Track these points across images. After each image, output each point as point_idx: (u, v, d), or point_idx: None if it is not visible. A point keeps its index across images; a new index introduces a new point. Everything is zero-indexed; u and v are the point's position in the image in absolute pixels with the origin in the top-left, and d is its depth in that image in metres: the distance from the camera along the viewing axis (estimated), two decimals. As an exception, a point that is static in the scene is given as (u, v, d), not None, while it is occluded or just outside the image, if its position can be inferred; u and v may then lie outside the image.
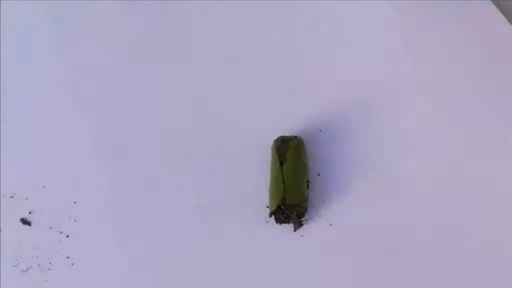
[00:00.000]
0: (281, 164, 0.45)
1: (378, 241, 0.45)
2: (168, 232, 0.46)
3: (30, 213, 0.46)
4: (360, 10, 0.51)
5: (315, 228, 0.45)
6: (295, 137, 0.47)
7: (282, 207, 0.45)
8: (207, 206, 0.46)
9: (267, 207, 0.46)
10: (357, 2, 0.51)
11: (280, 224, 0.45)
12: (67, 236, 0.46)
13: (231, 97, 0.48)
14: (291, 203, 0.45)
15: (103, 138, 0.49)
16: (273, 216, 0.45)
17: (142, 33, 0.52)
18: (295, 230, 0.45)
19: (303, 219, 0.45)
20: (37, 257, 0.45)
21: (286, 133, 0.47)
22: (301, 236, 0.45)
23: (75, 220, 0.46)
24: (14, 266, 0.45)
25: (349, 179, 0.46)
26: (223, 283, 0.44)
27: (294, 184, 0.45)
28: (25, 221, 0.46)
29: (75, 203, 0.47)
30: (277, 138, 0.47)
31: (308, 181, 0.46)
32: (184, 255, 0.45)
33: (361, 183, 0.46)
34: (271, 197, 0.45)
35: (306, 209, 0.45)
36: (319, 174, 0.47)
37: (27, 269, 0.45)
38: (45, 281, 0.44)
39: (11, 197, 0.47)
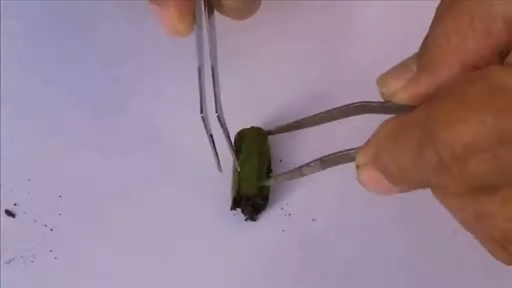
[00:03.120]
0: (237, 156, 0.46)
1: (362, 238, 0.45)
2: (154, 227, 0.46)
3: (15, 204, 0.46)
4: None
5: (297, 222, 0.46)
6: (252, 127, 0.48)
7: (237, 198, 0.45)
8: (190, 202, 0.47)
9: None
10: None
11: (232, 210, 0.46)
12: (51, 230, 0.46)
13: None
14: (245, 194, 0.45)
15: (91, 132, 0.50)
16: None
17: (135, 33, 0.53)
18: (246, 220, 0.46)
19: (261, 211, 0.46)
20: (20, 249, 0.45)
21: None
22: (283, 231, 0.46)
23: (60, 214, 0.46)
24: (-4, 257, 0.45)
25: (332, 175, 0.46)
26: (205, 279, 0.44)
27: (249, 175, 0.46)
28: (9, 213, 0.46)
29: (60, 196, 0.47)
30: (241, 130, 0.48)
31: (269, 173, 0.47)
32: (167, 251, 0.45)
33: (345, 179, 0.46)
34: (231, 190, 0.46)
35: (263, 201, 0.46)
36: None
37: (10, 261, 0.45)
38: (28, 273, 0.44)
39: (-4, 188, 0.47)
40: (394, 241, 0.45)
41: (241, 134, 0.48)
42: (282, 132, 0.47)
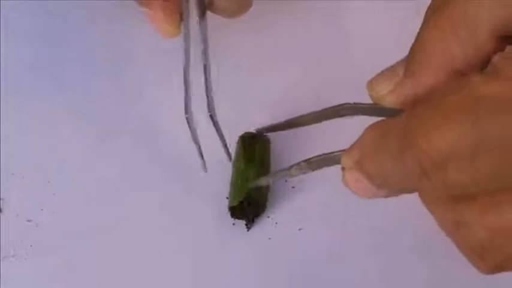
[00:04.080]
0: (247, 160, 0.46)
1: (348, 248, 0.45)
2: (143, 228, 0.46)
3: (1, 199, 0.47)
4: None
5: (283, 231, 0.46)
6: (264, 135, 0.47)
7: (244, 203, 0.45)
8: (176, 205, 0.47)
9: (227, 198, 0.46)
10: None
11: (235, 219, 0.46)
12: (36, 225, 0.46)
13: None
14: (253, 201, 0.45)
15: (83, 129, 0.50)
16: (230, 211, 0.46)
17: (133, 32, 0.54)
18: (248, 229, 0.46)
19: (257, 219, 0.46)
20: (4, 244, 0.45)
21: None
22: (269, 239, 0.46)
23: (44, 209, 0.47)
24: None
25: (319, 186, 0.47)
26: (191, 286, 0.44)
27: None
28: (-5, 208, 0.46)
29: (45, 192, 0.47)
30: (244, 134, 0.48)
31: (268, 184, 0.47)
32: (153, 252, 0.45)
33: (333, 190, 0.45)
34: (234, 192, 0.46)
35: (264, 210, 0.46)
36: (286, 181, 0.47)
37: (-6, 256, 0.45)
38: (10, 268, 0.44)
39: (-18, 183, 0.47)
40: (382, 251, 0.45)
41: (254, 139, 0.47)
42: (272, 132, 0.47)
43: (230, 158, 0.46)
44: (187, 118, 0.43)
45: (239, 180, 0.46)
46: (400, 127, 0.31)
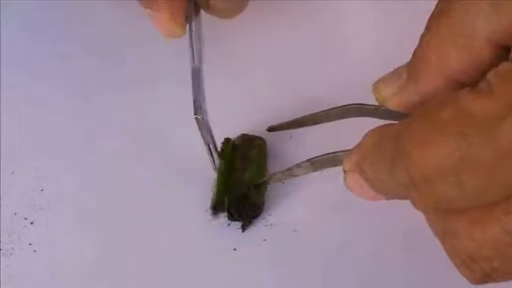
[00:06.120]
0: (244, 162, 0.46)
1: (342, 249, 0.45)
2: (135, 226, 0.46)
3: (-1, 198, 0.47)
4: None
5: (278, 233, 0.46)
6: (260, 137, 0.48)
7: (241, 204, 0.45)
8: (169, 201, 0.47)
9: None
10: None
11: (231, 221, 0.46)
12: (31, 223, 0.46)
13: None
14: (251, 202, 0.45)
15: (77, 128, 0.50)
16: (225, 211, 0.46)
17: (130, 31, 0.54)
18: (243, 231, 0.46)
19: (254, 220, 0.46)
20: (2, 243, 0.45)
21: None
22: (264, 240, 0.46)
23: (41, 208, 0.47)
24: (-24, 249, 0.45)
25: (314, 186, 0.47)
26: (181, 284, 0.44)
27: (255, 184, 0.46)
28: (-9, 206, 0.47)
29: (42, 190, 0.47)
30: (241, 136, 0.48)
31: (266, 185, 0.47)
32: (147, 252, 0.45)
33: (328, 192, 0.46)
34: (230, 193, 0.46)
35: (261, 212, 0.46)
36: (282, 183, 0.47)
37: (-10, 252, 0.45)
38: (7, 266, 0.45)
39: (-22, 181, 0.47)
40: (374, 252, 0.45)
41: (250, 141, 0.48)
42: (275, 131, 0.47)
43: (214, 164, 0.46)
44: (196, 118, 0.43)
45: (236, 181, 0.46)
46: (394, 136, 0.31)
